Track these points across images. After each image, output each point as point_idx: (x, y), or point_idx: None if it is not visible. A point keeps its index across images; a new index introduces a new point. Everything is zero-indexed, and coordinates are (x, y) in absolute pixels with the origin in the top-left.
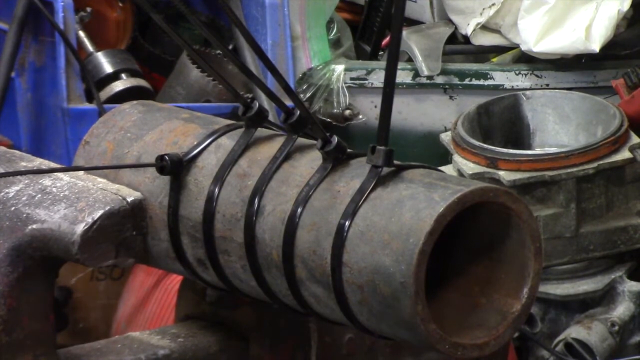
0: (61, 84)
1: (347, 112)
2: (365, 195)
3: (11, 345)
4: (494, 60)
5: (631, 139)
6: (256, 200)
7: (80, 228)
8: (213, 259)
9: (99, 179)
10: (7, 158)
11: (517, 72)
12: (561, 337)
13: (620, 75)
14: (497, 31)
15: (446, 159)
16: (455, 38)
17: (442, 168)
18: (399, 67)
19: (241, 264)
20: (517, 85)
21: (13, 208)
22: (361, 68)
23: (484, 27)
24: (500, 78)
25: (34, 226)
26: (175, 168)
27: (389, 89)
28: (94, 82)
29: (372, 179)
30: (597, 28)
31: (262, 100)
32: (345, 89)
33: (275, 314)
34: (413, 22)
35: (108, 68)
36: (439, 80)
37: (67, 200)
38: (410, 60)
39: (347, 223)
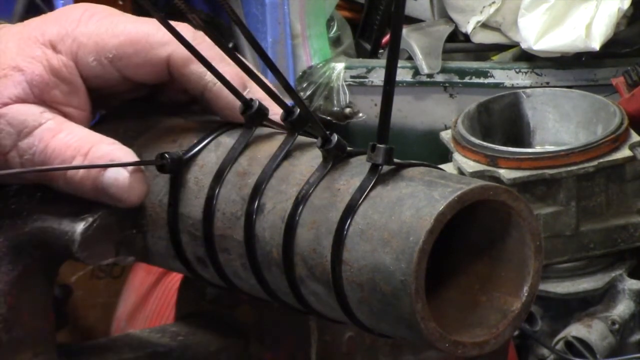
0: None
1: (347, 110)
2: (365, 193)
3: (11, 343)
4: (494, 58)
5: (631, 137)
6: (256, 199)
7: (80, 226)
8: (213, 257)
9: None
10: None
11: (517, 70)
12: (561, 335)
13: (620, 74)
14: (497, 29)
15: (446, 157)
16: (456, 36)
17: (442, 166)
18: (399, 65)
19: (241, 262)
20: (517, 84)
21: (13, 206)
22: (361, 66)
23: (484, 25)
24: (501, 76)
25: (34, 224)
26: (175, 166)
27: (389, 87)
28: None
29: (372, 177)
30: (597, 26)
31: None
32: (345, 87)
33: (275, 312)
34: (413, 20)
35: None
36: (439, 78)
37: (68, 198)
38: (410, 58)
39: (347, 221)
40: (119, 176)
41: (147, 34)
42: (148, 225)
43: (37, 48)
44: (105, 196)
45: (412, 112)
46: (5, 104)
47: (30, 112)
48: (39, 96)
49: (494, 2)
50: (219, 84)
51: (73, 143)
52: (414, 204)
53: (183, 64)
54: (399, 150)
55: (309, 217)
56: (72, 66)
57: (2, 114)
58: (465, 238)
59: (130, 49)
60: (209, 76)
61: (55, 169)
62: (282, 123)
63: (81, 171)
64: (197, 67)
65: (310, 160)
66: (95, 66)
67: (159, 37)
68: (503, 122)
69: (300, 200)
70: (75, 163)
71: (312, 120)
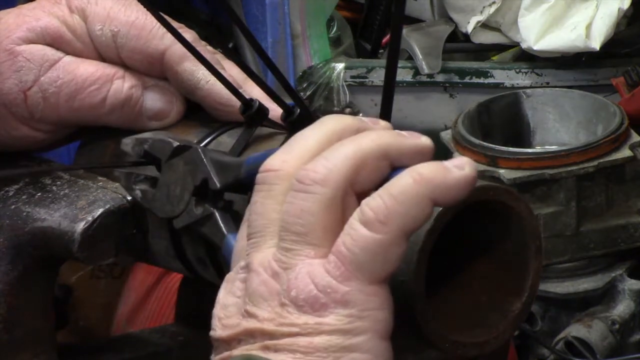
0: None
1: (348, 110)
2: None
3: (11, 343)
4: (494, 58)
5: (631, 137)
6: None
7: (80, 226)
8: (213, 258)
9: (99, 177)
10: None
11: (517, 70)
12: (561, 335)
13: (620, 74)
14: (497, 29)
15: (446, 157)
16: (456, 36)
17: None
18: (399, 65)
19: None
20: (517, 84)
21: (13, 207)
22: (361, 66)
23: (485, 25)
24: (501, 76)
25: (34, 225)
26: None
27: (389, 87)
28: None
29: None
30: (597, 26)
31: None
32: (345, 87)
33: None
34: (413, 20)
35: None
36: (439, 78)
37: (67, 198)
38: (410, 58)
39: None
40: (157, 98)
41: (153, 25)
42: (148, 225)
43: (55, 5)
44: (150, 117)
45: (412, 112)
46: (20, 45)
47: (47, 50)
48: (51, 45)
49: (494, 2)
50: (211, 81)
51: (104, 69)
52: None
53: (178, 60)
54: None
55: None
56: (84, 27)
57: (19, 51)
58: (466, 238)
59: (133, 31)
60: (200, 74)
61: (55, 169)
62: (282, 123)
63: (124, 95)
64: (190, 65)
65: None
66: (99, 35)
67: (162, 32)
68: (503, 122)
69: None
70: (115, 86)
71: (312, 120)
